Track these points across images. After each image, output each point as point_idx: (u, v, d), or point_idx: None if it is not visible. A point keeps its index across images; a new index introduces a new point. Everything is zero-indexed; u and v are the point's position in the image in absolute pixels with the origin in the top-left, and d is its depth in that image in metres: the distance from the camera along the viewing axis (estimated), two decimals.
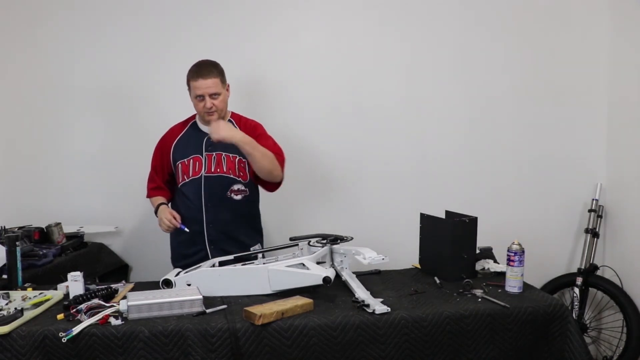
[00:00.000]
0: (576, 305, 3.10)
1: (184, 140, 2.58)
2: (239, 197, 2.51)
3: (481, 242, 2.40)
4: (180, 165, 2.54)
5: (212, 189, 2.49)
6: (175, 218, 2.46)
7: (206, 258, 2.47)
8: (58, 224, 2.77)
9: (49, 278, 2.36)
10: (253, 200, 2.59)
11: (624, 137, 3.13)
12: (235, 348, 1.81)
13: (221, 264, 2.35)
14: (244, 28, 3.06)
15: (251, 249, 2.52)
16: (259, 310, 1.84)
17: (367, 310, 1.92)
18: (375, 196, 3.20)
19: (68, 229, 2.86)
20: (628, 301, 3.01)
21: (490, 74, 3.19)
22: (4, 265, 2.22)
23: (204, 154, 2.52)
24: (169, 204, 2.61)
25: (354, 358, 1.86)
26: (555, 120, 3.24)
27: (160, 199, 2.60)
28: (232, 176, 2.49)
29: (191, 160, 2.53)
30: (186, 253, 2.55)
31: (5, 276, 2.21)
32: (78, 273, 2.07)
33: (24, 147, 3.07)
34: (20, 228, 2.71)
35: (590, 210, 3.23)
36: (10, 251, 2.19)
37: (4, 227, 2.65)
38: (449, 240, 2.30)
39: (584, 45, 3.21)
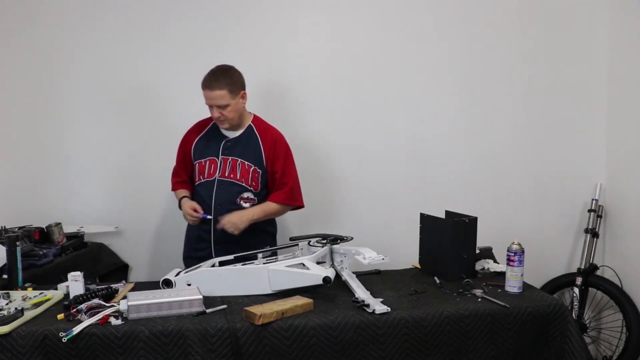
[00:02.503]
0: (576, 305, 3.10)
1: (204, 140, 2.60)
2: (247, 204, 2.51)
3: (481, 242, 2.41)
4: (197, 165, 2.57)
5: (223, 193, 2.50)
6: (196, 210, 2.48)
7: (210, 256, 2.49)
8: (58, 224, 2.77)
9: (49, 278, 2.36)
10: None
11: (623, 137, 3.13)
12: (235, 348, 1.81)
13: (221, 263, 2.35)
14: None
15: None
16: (259, 310, 1.84)
17: (367, 310, 1.92)
18: (375, 196, 3.20)
19: (68, 229, 2.86)
20: (628, 301, 3.01)
21: (491, 74, 3.19)
22: (4, 265, 2.22)
23: (220, 157, 2.53)
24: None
25: (354, 358, 1.87)
26: (555, 120, 3.25)
27: (183, 192, 2.63)
28: (243, 184, 2.51)
29: (207, 162, 2.54)
30: (196, 247, 2.59)
31: (5, 276, 2.21)
32: (78, 273, 2.07)
33: (25, 147, 3.06)
34: (20, 228, 2.71)
35: (590, 210, 3.23)
36: (11, 251, 2.19)
37: (4, 227, 2.65)
38: (449, 240, 2.30)
39: (584, 45, 3.21)
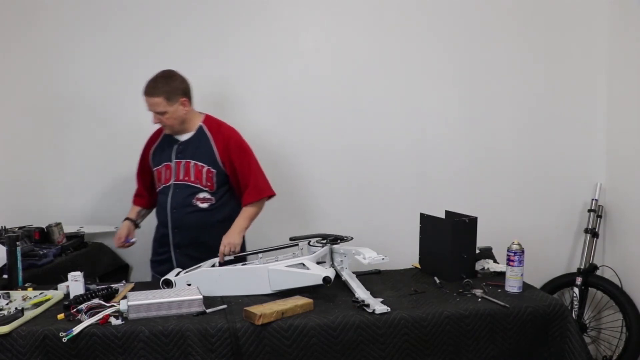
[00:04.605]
0: (576, 305, 3.10)
1: (160, 147, 2.61)
2: (205, 205, 2.51)
3: (481, 242, 2.41)
4: (155, 172, 2.59)
5: (177, 197, 2.51)
6: (120, 238, 2.60)
7: (170, 260, 2.53)
8: (58, 224, 2.77)
9: (49, 278, 2.36)
10: (223, 208, 2.56)
11: (623, 137, 3.13)
12: (235, 348, 1.81)
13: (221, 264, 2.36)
14: (243, 27, 3.06)
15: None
16: (259, 310, 1.84)
17: (367, 310, 1.93)
18: (375, 196, 3.20)
19: (68, 229, 2.86)
20: (627, 301, 3.00)
21: (490, 74, 3.19)
22: (5, 265, 2.22)
23: (173, 161, 2.53)
24: (142, 211, 2.73)
25: (353, 358, 1.87)
26: (555, 120, 3.24)
27: (132, 212, 2.71)
28: (198, 186, 2.50)
29: (163, 168, 2.55)
30: (158, 250, 2.62)
31: (5, 276, 2.21)
32: (78, 273, 2.07)
33: (24, 147, 3.06)
34: (20, 228, 2.71)
35: (589, 210, 3.23)
36: (11, 251, 2.20)
37: (5, 227, 2.65)
38: (449, 240, 2.30)
39: (584, 45, 3.21)
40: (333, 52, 3.12)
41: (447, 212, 2.51)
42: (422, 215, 2.48)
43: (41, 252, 2.54)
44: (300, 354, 1.83)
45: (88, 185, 3.09)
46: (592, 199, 3.23)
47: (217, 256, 2.41)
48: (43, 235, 2.72)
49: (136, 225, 2.70)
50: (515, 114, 3.23)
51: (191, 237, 2.51)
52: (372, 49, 3.13)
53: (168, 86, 2.43)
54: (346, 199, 3.19)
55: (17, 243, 2.21)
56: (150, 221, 2.81)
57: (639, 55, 2.98)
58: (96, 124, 3.09)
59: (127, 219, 2.67)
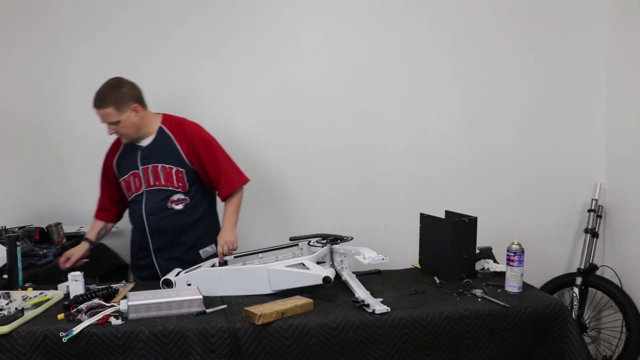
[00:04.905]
0: (576, 305, 3.10)
1: (122, 156, 2.56)
2: (180, 206, 2.49)
3: (481, 242, 2.41)
4: (123, 183, 2.55)
5: (151, 203, 2.49)
6: (67, 262, 2.46)
7: (152, 264, 2.52)
8: (58, 224, 2.77)
9: (49, 278, 2.36)
10: (198, 207, 2.55)
11: (623, 137, 3.13)
12: (235, 348, 1.81)
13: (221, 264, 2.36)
14: (243, 27, 3.06)
15: (200, 251, 2.50)
16: (259, 310, 1.84)
17: (367, 310, 1.93)
18: (375, 196, 3.20)
19: (68, 229, 2.86)
20: (627, 301, 3.00)
21: (490, 74, 3.19)
22: (5, 265, 2.22)
23: (140, 168, 2.50)
24: (102, 230, 2.65)
25: (353, 358, 1.87)
26: (555, 120, 3.24)
27: (92, 230, 2.63)
28: (170, 188, 2.48)
29: (131, 177, 2.52)
30: (138, 255, 2.60)
31: (5, 276, 2.21)
32: (78, 273, 2.08)
33: (25, 147, 3.06)
34: (20, 228, 2.71)
35: (589, 210, 3.23)
36: (11, 251, 2.20)
37: (5, 227, 2.65)
38: (449, 240, 2.30)
39: (584, 45, 3.21)
40: (333, 52, 3.12)
41: (447, 212, 2.51)
42: (422, 215, 2.48)
43: (41, 252, 2.54)
44: (300, 354, 1.83)
45: (88, 185, 3.08)
46: (592, 199, 3.24)
47: (199, 253, 2.42)
48: (43, 235, 2.73)
49: (93, 248, 2.64)
50: (515, 114, 3.23)
51: (170, 240, 2.51)
52: (372, 49, 3.13)
53: (115, 94, 2.38)
54: (346, 199, 3.19)
55: (17, 243, 2.21)
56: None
57: (639, 55, 2.98)
58: (96, 124, 3.08)
59: (85, 239, 2.59)
